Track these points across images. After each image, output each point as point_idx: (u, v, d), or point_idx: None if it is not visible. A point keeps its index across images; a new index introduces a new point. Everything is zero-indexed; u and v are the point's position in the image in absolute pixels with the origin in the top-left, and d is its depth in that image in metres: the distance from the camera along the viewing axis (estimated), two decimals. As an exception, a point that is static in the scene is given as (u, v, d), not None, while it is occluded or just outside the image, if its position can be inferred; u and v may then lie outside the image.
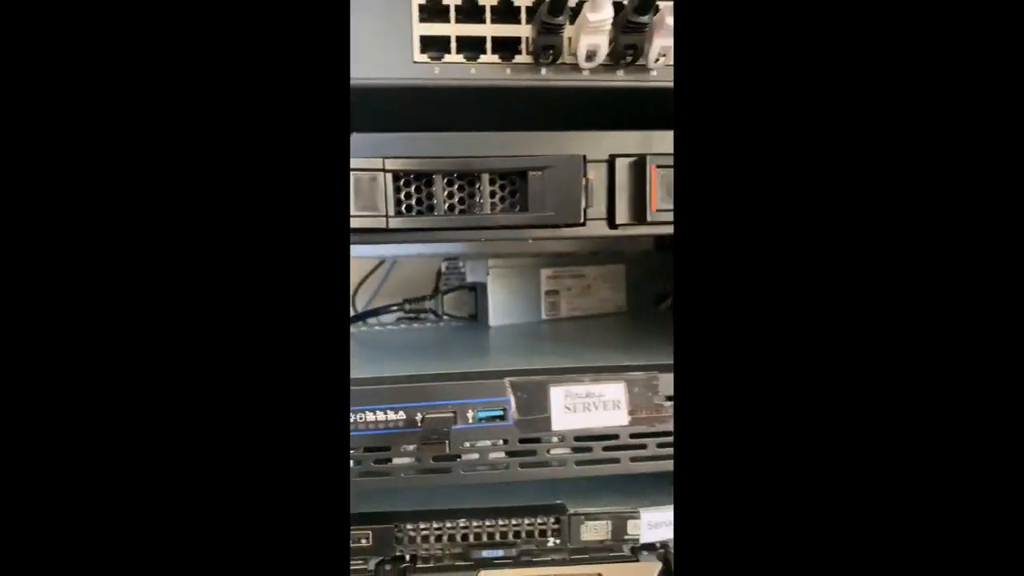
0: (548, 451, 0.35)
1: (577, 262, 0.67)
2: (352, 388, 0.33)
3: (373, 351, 0.47)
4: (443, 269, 0.72)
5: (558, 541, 0.36)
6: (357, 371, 0.35)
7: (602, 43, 0.31)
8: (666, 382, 0.35)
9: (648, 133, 0.33)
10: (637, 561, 0.35)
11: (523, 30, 0.33)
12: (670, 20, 0.30)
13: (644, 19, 0.30)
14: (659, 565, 0.35)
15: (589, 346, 0.46)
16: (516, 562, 0.34)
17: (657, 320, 0.64)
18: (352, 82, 0.31)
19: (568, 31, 0.32)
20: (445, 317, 0.64)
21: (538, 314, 0.64)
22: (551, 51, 0.31)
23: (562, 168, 0.32)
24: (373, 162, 0.31)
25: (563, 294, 0.67)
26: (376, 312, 0.67)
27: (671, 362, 0.37)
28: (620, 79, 0.33)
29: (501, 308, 0.62)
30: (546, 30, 0.30)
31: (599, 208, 0.33)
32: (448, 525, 0.36)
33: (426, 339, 0.54)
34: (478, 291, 0.63)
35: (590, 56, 0.32)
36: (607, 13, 0.29)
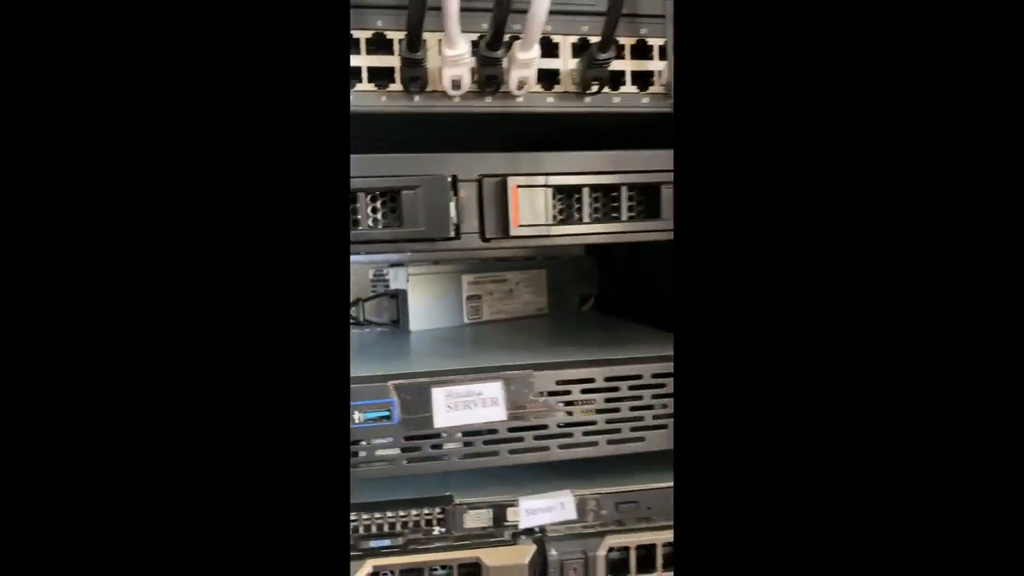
0: (431, 447, 0.38)
1: (499, 268, 0.70)
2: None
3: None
4: (371, 276, 0.74)
5: (444, 529, 0.39)
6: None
7: (464, 74, 0.34)
8: (541, 379, 0.39)
9: (515, 155, 0.37)
10: (514, 545, 0.38)
11: (395, 61, 0.35)
12: (521, 54, 0.34)
13: (497, 54, 0.33)
14: (533, 548, 0.38)
15: (490, 348, 0.49)
16: (403, 550, 0.37)
17: (575, 321, 0.68)
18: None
19: (435, 62, 0.35)
20: (368, 323, 0.67)
21: (460, 319, 0.67)
22: (418, 81, 0.34)
23: (432, 187, 0.35)
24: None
25: (485, 299, 0.70)
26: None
27: (550, 360, 0.40)
28: (487, 105, 0.37)
29: (422, 314, 0.65)
30: (409, 64, 0.33)
31: (471, 223, 0.36)
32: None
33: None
34: (399, 297, 0.65)
35: (456, 85, 0.35)
36: (462, 48, 0.33)
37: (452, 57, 0.32)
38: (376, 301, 0.66)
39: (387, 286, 0.70)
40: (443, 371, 0.38)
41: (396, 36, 0.35)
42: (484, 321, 0.69)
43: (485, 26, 0.34)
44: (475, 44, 0.33)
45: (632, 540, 0.39)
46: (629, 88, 0.38)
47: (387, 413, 0.37)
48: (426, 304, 0.65)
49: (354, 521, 0.38)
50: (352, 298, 0.68)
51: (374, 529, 0.38)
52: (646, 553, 0.40)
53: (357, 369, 0.40)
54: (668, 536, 0.40)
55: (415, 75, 0.34)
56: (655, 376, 0.40)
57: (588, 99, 0.38)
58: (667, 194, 0.37)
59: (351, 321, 0.67)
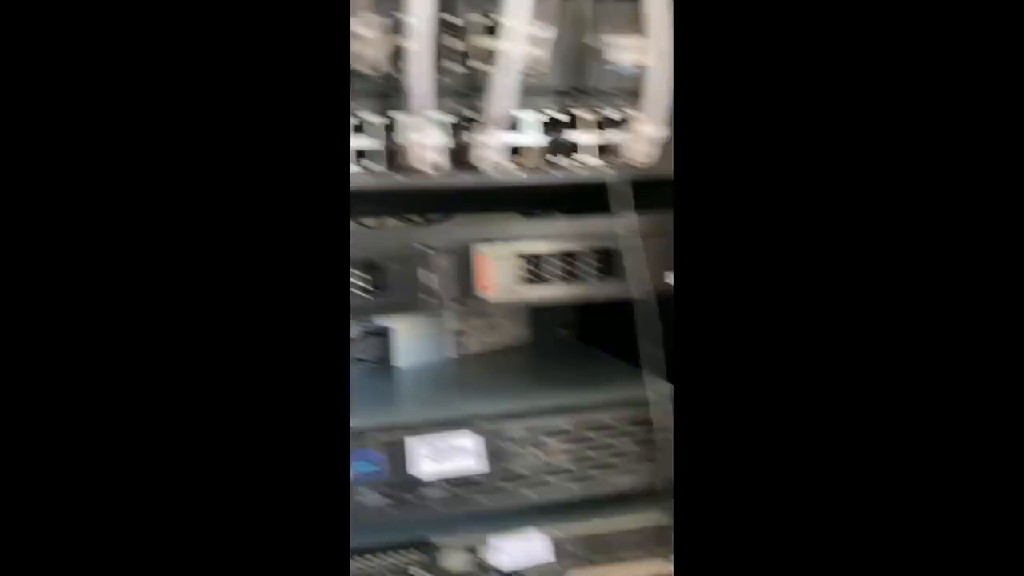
0: (415, 495, 0.40)
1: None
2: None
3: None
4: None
5: (423, 570, 0.41)
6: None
7: (441, 155, 0.37)
8: (513, 429, 0.41)
9: (481, 226, 0.40)
10: (494, 584, 0.41)
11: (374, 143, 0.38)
12: (489, 139, 0.37)
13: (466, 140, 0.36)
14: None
15: (473, 392, 0.52)
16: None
17: (556, 351, 0.70)
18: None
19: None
20: (357, 360, 0.69)
21: (447, 352, 0.70)
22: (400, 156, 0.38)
23: (411, 258, 0.38)
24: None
25: (472, 333, 0.73)
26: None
27: (520, 407, 0.43)
28: (461, 181, 0.40)
29: (410, 350, 0.68)
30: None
31: (448, 287, 0.39)
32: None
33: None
34: (386, 335, 0.68)
35: (434, 166, 0.38)
36: (437, 138, 0.36)
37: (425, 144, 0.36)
38: (364, 339, 0.69)
39: (373, 324, 0.72)
40: (422, 423, 0.41)
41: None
42: (471, 354, 0.72)
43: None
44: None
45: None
46: (593, 160, 0.41)
47: (377, 468, 0.40)
48: (413, 340, 0.68)
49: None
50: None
51: (358, 574, 0.41)
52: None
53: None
54: (638, 570, 0.43)
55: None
56: (621, 421, 0.43)
57: (555, 172, 0.41)
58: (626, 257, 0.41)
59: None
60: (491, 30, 0.37)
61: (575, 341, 0.76)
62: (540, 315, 0.77)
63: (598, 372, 0.55)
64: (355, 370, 0.67)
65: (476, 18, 0.36)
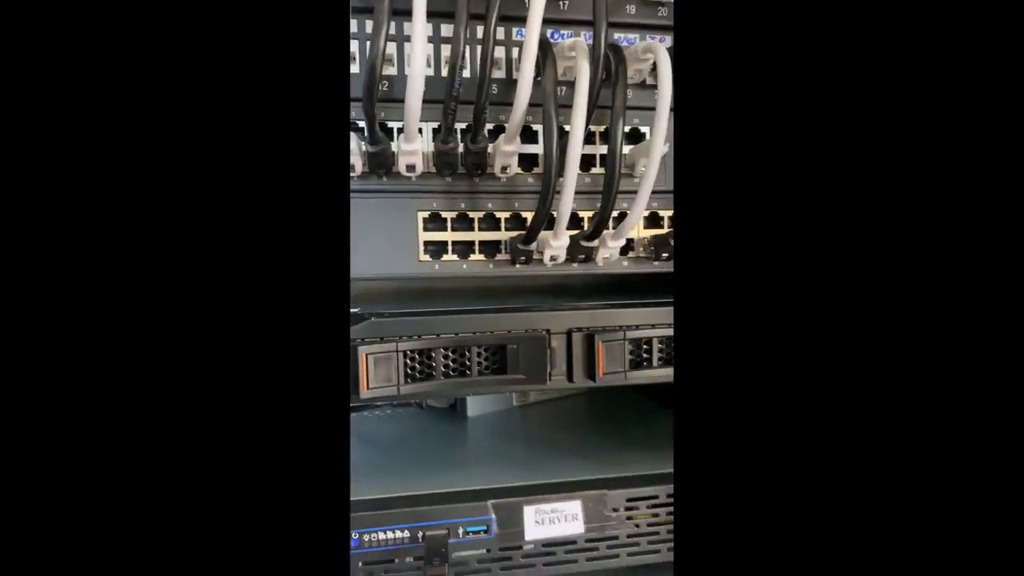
0: (522, 556, 0.44)
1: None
2: (359, 512, 0.41)
3: (366, 447, 0.56)
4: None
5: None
6: (357, 481, 0.43)
7: (561, 252, 0.42)
8: (614, 497, 0.45)
9: (595, 312, 0.44)
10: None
11: (503, 235, 0.43)
12: (612, 242, 0.41)
13: (594, 243, 0.41)
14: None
15: (553, 449, 0.55)
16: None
17: (611, 399, 0.74)
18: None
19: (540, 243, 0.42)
20: (429, 408, 0.73)
21: (511, 400, 0.74)
22: (524, 257, 0.42)
23: (531, 342, 0.42)
24: (388, 345, 0.40)
25: (530, 381, 0.76)
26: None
27: (620, 475, 0.47)
28: (575, 270, 0.44)
29: (478, 399, 0.71)
30: (517, 251, 0.41)
31: (561, 368, 0.43)
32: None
33: (410, 431, 0.63)
34: (457, 384, 0.72)
35: (553, 259, 0.42)
36: (564, 240, 0.40)
37: (555, 246, 0.40)
38: (436, 388, 0.72)
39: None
40: (532, 486, 0.45)
41: (503, 216, 0.43)
42: (531, 403, 0.75)
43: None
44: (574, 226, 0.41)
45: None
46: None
47: (485, 528, 0.44)
48: (480, 390, 0.72)
49: (455, 623, 0.44)
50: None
51: (472, 628, 0.44)
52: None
53: (442, 471, 0.47)
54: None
55: (523, 253, 0.41)
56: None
57: (656, 263, 0.45)
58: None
59: (414, 404, 0.73)
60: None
61: (628, 389, 0.80)
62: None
63: (655, 431, 0.59)
64: (426, 413, 0.71)
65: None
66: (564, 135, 0.36)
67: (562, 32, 0.42)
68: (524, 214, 0.43)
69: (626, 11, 0.43)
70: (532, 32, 0.34)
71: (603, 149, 0.43)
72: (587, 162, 0.42)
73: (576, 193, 0.42)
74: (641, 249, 0.45)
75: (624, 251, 0.45)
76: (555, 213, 0.39)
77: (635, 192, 0.37)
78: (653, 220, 0.45)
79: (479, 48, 0.36)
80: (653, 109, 0.36)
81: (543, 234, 0.41)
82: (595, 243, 0.41)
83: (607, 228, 0.40)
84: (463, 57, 0.34)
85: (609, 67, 0.37)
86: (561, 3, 0.41)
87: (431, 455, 0.55)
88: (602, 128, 0.43)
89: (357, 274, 0.40)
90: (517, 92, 0.35)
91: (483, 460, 0.55)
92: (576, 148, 0.35)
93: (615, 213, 0.40)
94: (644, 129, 0.44)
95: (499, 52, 0.41)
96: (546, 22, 0.40)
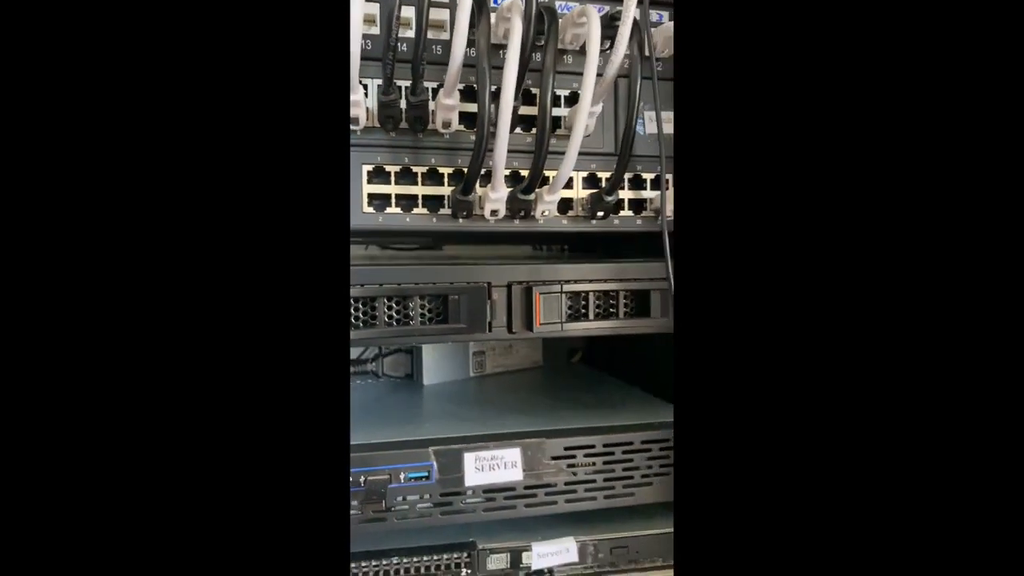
0: (462, 501, 0.45)
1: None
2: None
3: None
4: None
5: (469, 571, 0.46)
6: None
7: (500, 206, 0.43)
8: (551, 445, 0.47)
9: (535, 267, 0.46)
10: (528, 583, 0.46)
11: (446, 191, 0.44)
12: (548, 196, 0.43)
13: (529, 197, 0.43)
14: (543, 585, 0.47)
15: (502, 410, 0.57)
16: (436, 589, 0.45)
17: (567, 373, 0.76)
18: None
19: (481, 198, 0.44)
20: (386, 376, 0.74)
21: (466, 372, 0.76)
22: (465, 211, 0.44)
23: (472, 292, 0.44)
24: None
25: (488, 354, 0.78)
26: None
27: (558, 427, 0.49)
28: (515, 227, 0.46)
29: (434, 368, 0.73)
30: (458, 203, 0.42)
31: (501, 319, 0.45)
32: (383, 563, 0.46)
33: (367, 398, 0.64)
34: (414, 353, 0.73)
35: (494, 213, 0.44)
36: (502, 192, 0.42)
37: (494, 198, 0.42)
38: (393, 356, 0.74)
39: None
40: (472, 436, 0.47)
41: (445, 171, 0.44)
42: (487, 374, 0.77)
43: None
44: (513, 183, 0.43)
45: (622, 578, 0.48)
46: (626, 213, 0.48)
47: (426, 474, 0.45)
48: (437, 360, 0.73)
49: (392, 565, 0.45)
50: (373, 353, 0.76)
51: (413, 572, 0.46)
52: (633, 589, 0.48)
53: (393, 428, 0.48)
54: None
55: (465, 206, 0.43)
56: (643, 442, 0.49)
57: (594, 222, 0.47)
58: (655, 297, 0.47)
59: (371, 374, 0.74)
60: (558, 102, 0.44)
61: (583, 365, 0.83)
62: (552, 340, 0.83)
63: (614, 398, 0.61)
64: (385, 384, 0.72)
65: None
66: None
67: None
68: (466, 170, 0.45)
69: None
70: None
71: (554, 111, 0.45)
72: (530, 121, 0.44)
73: (518, 152, 0.44)
74: (580, 208, 0.47)
75: (564, 210, 0.47)
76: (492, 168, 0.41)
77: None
78: (591, 181, 0.47)
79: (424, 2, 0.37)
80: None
81: (482, 189, 0.43)
82: (531, 197, 0.43)
83: (540, 184, 0.42)
84: (399, 8, 0.36)
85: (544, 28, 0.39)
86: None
87: (382, 416, 0.56)
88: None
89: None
90: (452, 47, 0.37)
91: (430, 418, 0.56)
92: (508, 102, 0.37)
93: (553, 173, 0.42)
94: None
95: (444, 14, 0.43)
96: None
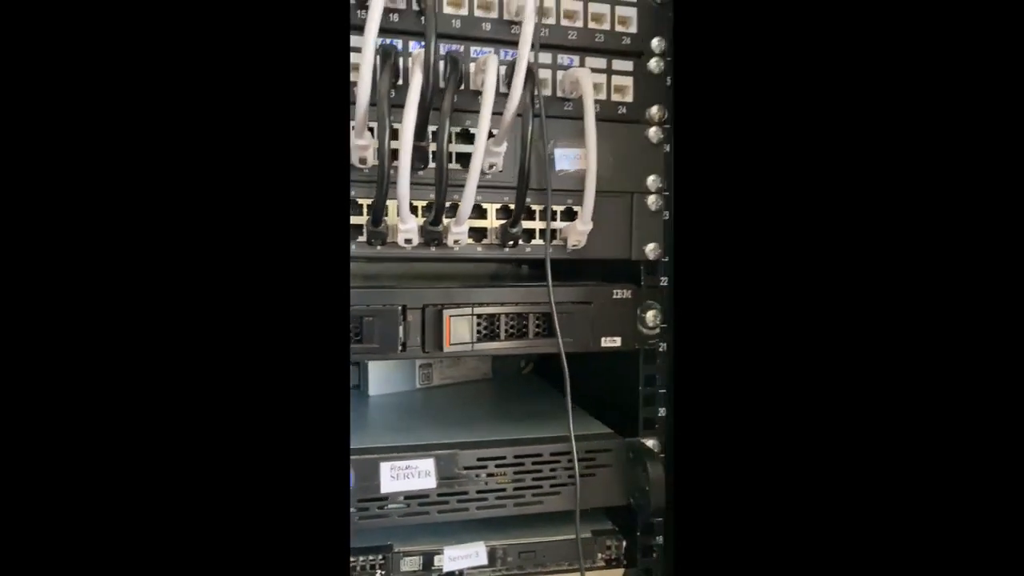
0: (377, 507, 0.49)
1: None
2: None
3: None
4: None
5: (384, 572, 0.50)
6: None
7: (412, 235, 0.47)
8: (464, 456, 0.51)
9: (450, 291, 0.49)
10: (439, 585, 0.50)
11: (363, 219, 0.48)
12: (455, 227, 0.47)
13: (437, 228, 0.47)
14: (452, 587, 0.50)
15: (430, 423, 0.61)
16: (352, 588, 0.48)
17: (513, 386, 0.80)
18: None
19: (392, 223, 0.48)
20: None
21: (413, 383, 0.79)
22: (380, 240, 0.47)
23: (387, 314, 0.48)
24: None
25: (436, 366, 0.82)
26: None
27: (472, 439, 0.52)
28: (432, 253, 0.50)
29: (380, 379, 0.76)
30: (372, 233, 0.46)
31: (415, 339, 0.49)
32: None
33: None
34: (360, 365, 0.77)
35: (408, 241, 0.48)
36: (411, 223, 0.46)
37: (404, 230, 0.46)
38: (341, 368, 0.77)
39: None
40: (387, 447, 0.50)
41: (364, 203, 0.48)
42: (434, 386, 0.80)
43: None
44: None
45: (530, 581, 0.51)
46: (537, 241, 0.52)
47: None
48: (383, 371, 0.77)
49: (314, 565, 0.49)
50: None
51: (330, 571, 0.49)
52: (541, 592, 0.52)
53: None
54: (560, 579, 0.52)
55: (378, 234, 0.47)
56: (552, 454, 0.52)
57: (506, 249, 0.51)
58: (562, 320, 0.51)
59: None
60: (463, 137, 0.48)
61: (533, 376, 0.86)
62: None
63: (539, 408, 0.65)
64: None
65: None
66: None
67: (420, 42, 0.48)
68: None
69: (482, 28, 0.49)
70: (369, 40, 0.39)
71: (464, 147, 0.49)
72: (463, 159, 0.48)
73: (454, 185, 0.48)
74: (493, 236, 0.51)
75: (479, 238, 0.51)
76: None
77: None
78: (505, 212, 0.51)
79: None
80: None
81: (392, 220, 0.46)
82: (439, 228, 0.47)
83: (445, 216, 0.46)
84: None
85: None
86: (391, 15, 0.46)
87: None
88: (457, 129, 0.49)
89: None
90: (358, 92, 0.40)
91: (366, 428, 0.60)
92: (407, 141, 0.41)
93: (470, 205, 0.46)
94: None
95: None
96: (399, 33, 0.46)
